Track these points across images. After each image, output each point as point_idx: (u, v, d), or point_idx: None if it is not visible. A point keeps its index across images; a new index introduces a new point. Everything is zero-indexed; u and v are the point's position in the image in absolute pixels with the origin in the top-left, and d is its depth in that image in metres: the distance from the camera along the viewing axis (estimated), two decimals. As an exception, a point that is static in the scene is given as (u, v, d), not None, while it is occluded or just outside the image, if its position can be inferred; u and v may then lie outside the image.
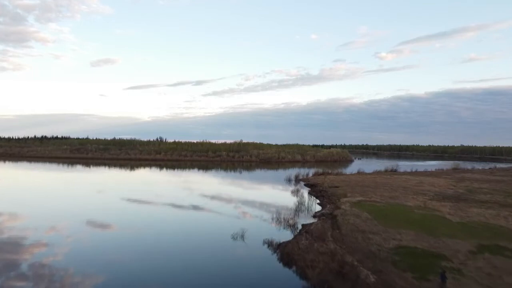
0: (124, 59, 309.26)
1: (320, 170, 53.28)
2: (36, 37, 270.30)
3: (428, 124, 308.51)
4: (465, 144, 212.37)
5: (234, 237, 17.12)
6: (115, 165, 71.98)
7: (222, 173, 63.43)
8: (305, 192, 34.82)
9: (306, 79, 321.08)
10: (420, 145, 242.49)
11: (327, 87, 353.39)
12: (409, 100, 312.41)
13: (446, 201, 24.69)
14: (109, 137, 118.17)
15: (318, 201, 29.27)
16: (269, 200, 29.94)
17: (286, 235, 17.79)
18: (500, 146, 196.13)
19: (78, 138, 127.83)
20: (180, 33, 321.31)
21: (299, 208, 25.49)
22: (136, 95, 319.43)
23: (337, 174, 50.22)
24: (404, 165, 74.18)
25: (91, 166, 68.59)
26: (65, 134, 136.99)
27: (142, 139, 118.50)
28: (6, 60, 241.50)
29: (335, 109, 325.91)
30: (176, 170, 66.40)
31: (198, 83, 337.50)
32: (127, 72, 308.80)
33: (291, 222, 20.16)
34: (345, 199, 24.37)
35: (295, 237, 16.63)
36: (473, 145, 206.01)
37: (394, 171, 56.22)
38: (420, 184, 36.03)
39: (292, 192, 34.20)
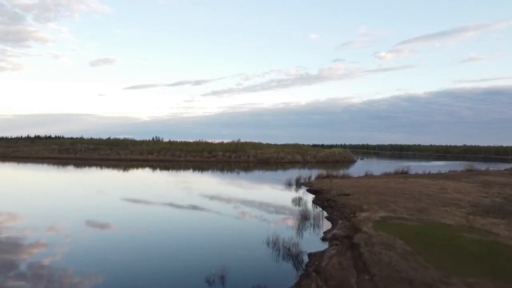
0: (124, 59, 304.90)
1: (324, 172, 47.77)
2: (35, 37, 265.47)
3: (428, 124, 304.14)
4: (467, 143, 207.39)
5: (209, 280, 11.57)
6: (99, 166, 66.39)
7: (217, 174, 57.98)
8: (308, 200, 29.29)
9: (305, 79, 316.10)
10: (421, 145, 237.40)
11: (326, 87, 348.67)
12: (408, 100, 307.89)
13: (492, 217, 19.18)
14: (107, 137, 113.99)
15: (325, 213, 23.82)
16: (265, 213, 24.34)
17: (286, 273, 12.34)
18: (504, 146, 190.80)
19: (71, 138, 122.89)
20: (180, 33, 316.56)
21: (302, 225, 19.96)
22: (136, 95, 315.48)
23: (343, 177, 44.67)
24: (411, 166, 68.73)
25: (62, 167, 62.99)
26: (65, 134, 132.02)
27: (139, 139, 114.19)
28: (5, 60, 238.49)
29: (335, 109, 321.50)
30: (163, 172, 60.83)
31: (197, 83, 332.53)
32: (126, 72, 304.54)
33: (293, 250, 14.61)
34: (363, 214, 18.84)
35: (300, 281, 11.13)
36: (476, 144, 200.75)
37: (406, 174, 50.61)
38: (444, 191, 30.49)
39: (293, 200, 28.58)
